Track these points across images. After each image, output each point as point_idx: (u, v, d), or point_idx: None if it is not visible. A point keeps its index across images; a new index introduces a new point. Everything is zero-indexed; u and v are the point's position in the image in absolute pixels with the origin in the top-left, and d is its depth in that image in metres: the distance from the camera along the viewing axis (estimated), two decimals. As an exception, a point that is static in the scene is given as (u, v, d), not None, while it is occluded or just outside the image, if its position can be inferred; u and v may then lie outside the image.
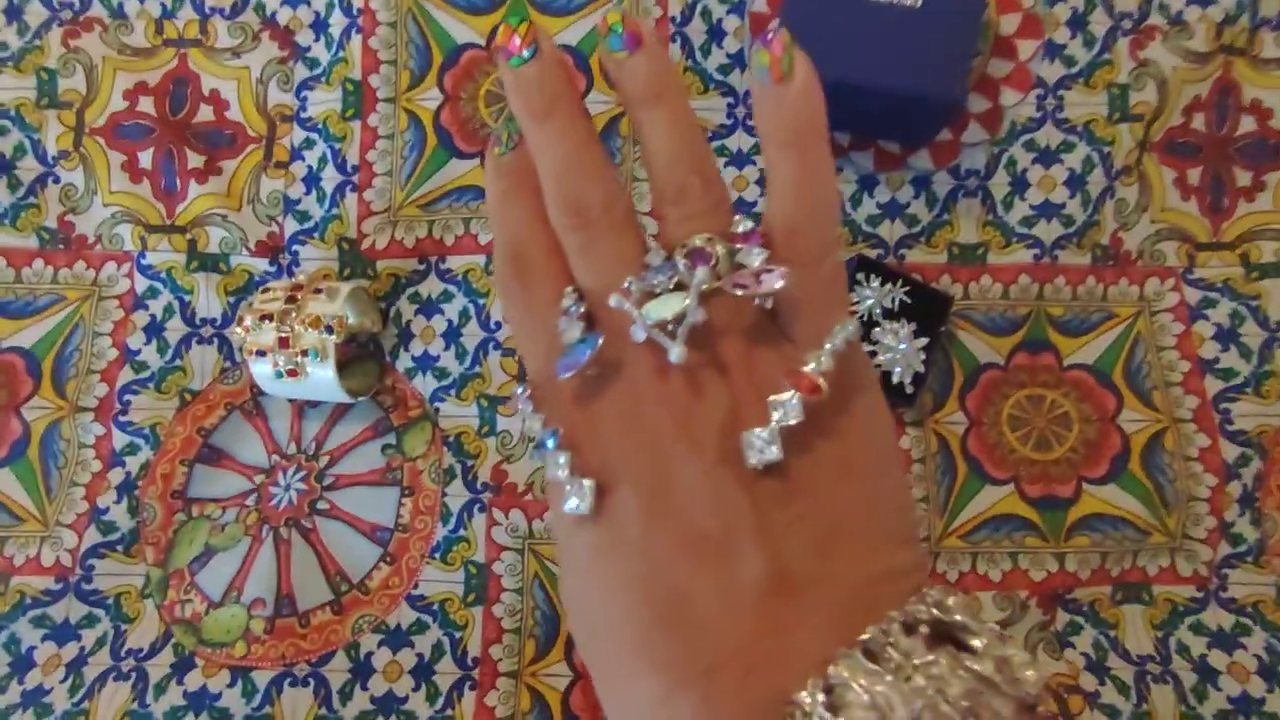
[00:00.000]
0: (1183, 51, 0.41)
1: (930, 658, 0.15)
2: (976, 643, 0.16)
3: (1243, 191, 0.41)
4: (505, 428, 0.38)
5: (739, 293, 0.18)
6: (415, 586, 0.36)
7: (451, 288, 0.39)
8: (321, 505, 0.37)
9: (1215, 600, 0.37)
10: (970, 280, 0.40)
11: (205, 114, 0.40)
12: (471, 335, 0.39)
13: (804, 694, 0.15)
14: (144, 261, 0.39)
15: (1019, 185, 0.40)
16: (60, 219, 0.40)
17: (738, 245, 0.19)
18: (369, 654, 0.36)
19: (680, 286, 0.19)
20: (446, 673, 0.35)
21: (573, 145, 0.20)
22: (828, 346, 0.18)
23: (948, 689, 0.15)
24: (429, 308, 0.39)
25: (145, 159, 0.40)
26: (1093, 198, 0.40)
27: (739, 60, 0.41)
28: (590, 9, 0.41)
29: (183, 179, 0.40)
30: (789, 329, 0.20)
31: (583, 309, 0.20)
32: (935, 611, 0.16)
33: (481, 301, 0.39)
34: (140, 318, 0.39)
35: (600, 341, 0.18)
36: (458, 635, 0.36)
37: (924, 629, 0.16)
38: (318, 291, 0.36)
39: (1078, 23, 0.41)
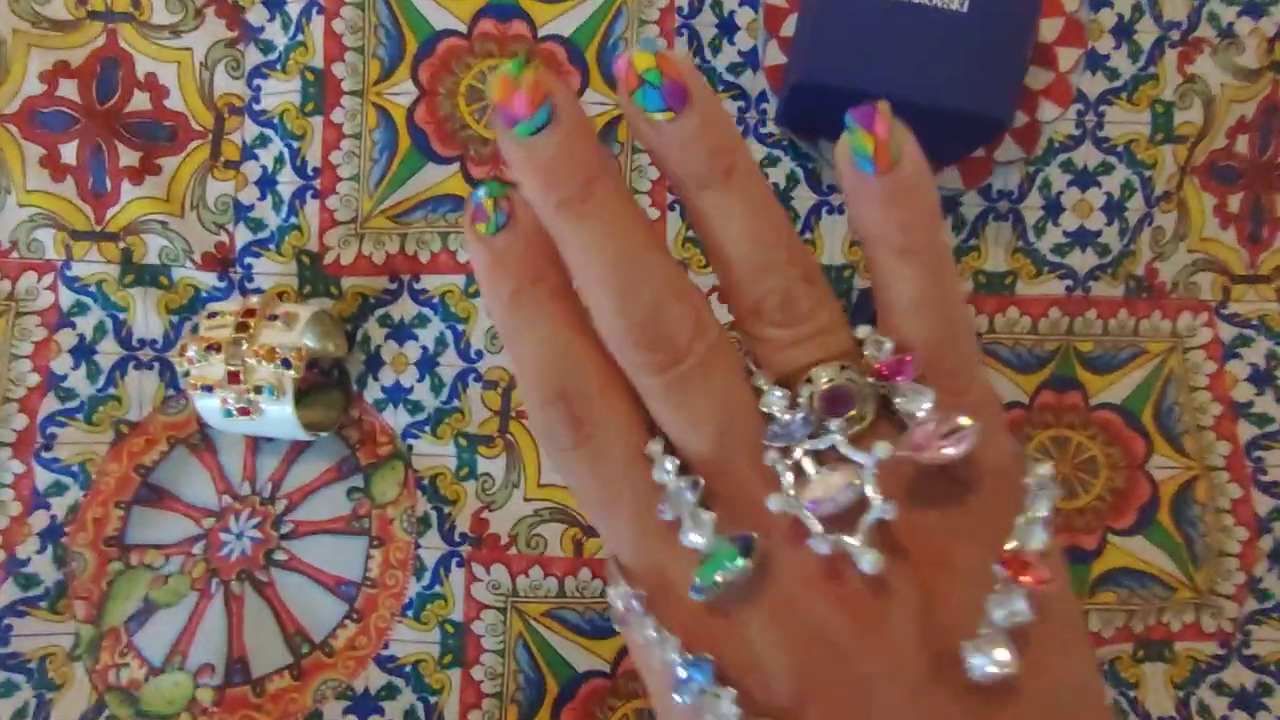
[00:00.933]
0: (1232, 68, 0.37)
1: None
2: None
3: (1283, 221, 0.38)
4: (486, 470, 0.34)
5: (924, 459, 0.15)
6: (385, 647, 0.33)
7: (427, 311, 0.35)
8: (279, 556, 0.33)
9: (1238, 658, 0.35)
10: (996, 312, 0.37)
11: (140, 102, 0.35)
12: (449, 365, 0.35)
13: None
14: (69, 273, 0.34)
15: (1053, 209, 0.37)
16: (-32, 221, 0.34)
17: (880, 379, 0.16)
18: (333, 723, 0.32)
19: (817, 435, 0.15)
20: (420, 742, 0.32)
21: (630, 246, 0.15)
22: (1038, 514, 0.15)
23: None
24: (401, 332, 0.35)
25: (69, 153, 0.34)
26: (1130, 225, 0.37)
27: (752, 59, 0.37)
28: (587, -6, 0.36)
29: (114, 178, 0.34)
30: (964, 492, 0.16)
31: (700, 493, 0.15)
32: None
33: (461, 327, 0.35)
34: (66, 337, 0.34)
35: (756, 545, 0.15)
36: (433, 700, 0.32)
37: None
38: (273, 318, 0.31)
39: (1123, 31, 0.37)
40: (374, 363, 0.35)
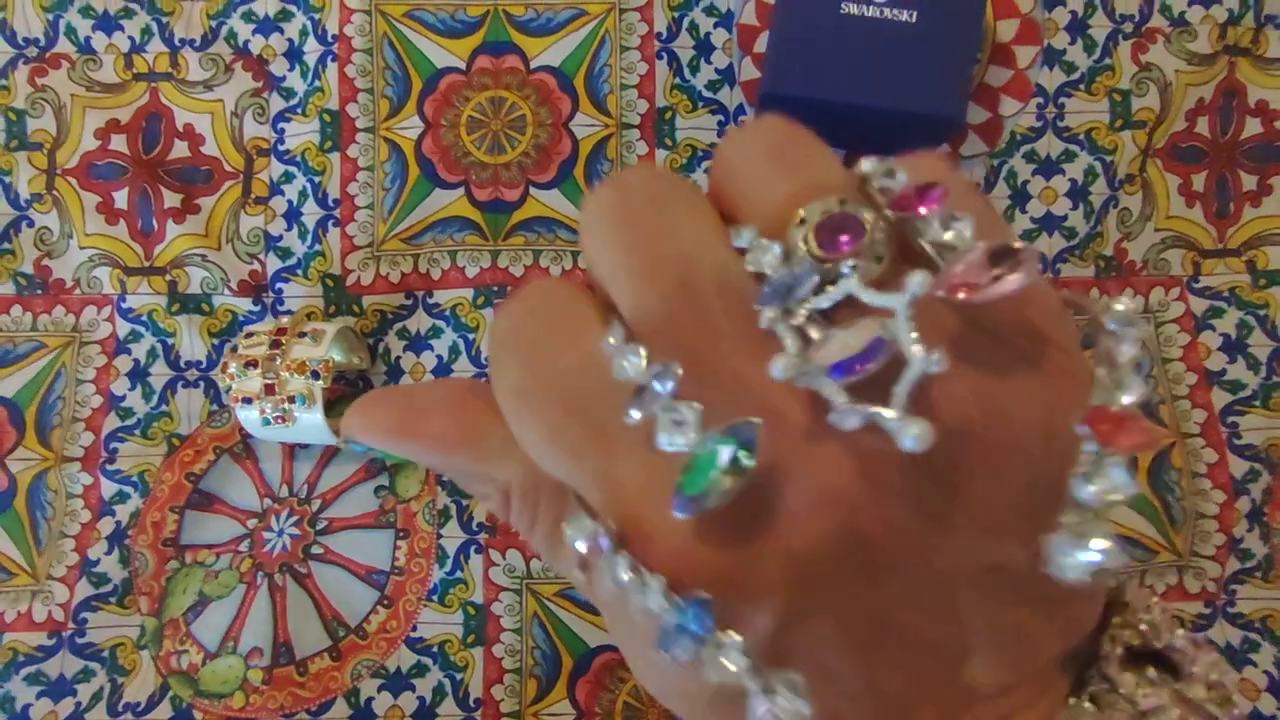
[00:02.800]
0: (1186, 54, 0.39)
1: (1156, 702, 0.12)
2: (1191, 668, 0.12)
3: (1249, 196, 0.40)
4: (499, 465, 0.37)
5: (962, 296, 0.11)
6: (414, 629, 0.36)
7: (440, 323, 0.38)
8: (316, 550, 0.37)
9: (1224, 616, 0.36)
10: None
11: (180, 150, 0.39)
12: (462, 371, 0.38)
13: None
14: (124, 305, 0.38)
15: (1019, 198, 0.39)
16: (37, 264, 0.39)
17: (897, 211, 0.12)
18: (369, 699, 0.35)
19: (823, 284, 0.11)
20: (448, 715, 0.35)
21: None
22: (1126, 358, 0.11)
23: None
24: (417, 343, 0.38)
25: (120, 199, 0.39)
26: (1095, 208, 0.39)
27: (728, 76, 0.40)
28: (571, 28, 0.40)
29: (159, 219, 0.39)
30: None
31: (669, 375, 0.11)
32: (1150, 639, 0.13)
33: (471, 336, 0.38)
34: (123, 363, 0.38)
35: (757, 442, 0.11)
36: (459, 677, 0.36)
37: (1150, 674, 0.13)
38: (302, 335, 0.35)
39: (1077, 27, 0.39)
40: (394, 372, 0.38)
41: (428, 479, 0.37)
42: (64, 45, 0.39)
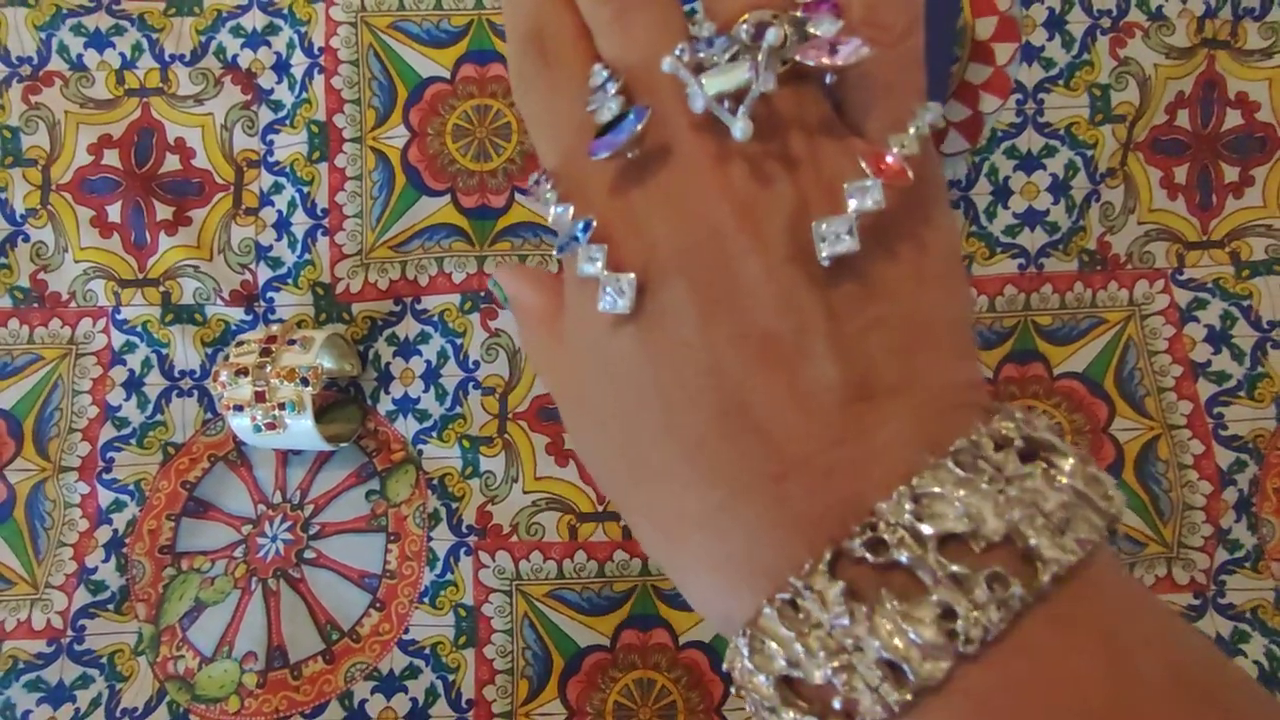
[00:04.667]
0: (1164, 48, 0.39)
1: (1025, 470, 0.14)
2: (1065, 463, 0.14)
3: (1231, 187, 0.40)
4: (488, 468, 0.38)
5: (811, 63, 0.16)
6: (406, 631, 0.36)
7: (428, 328, 0.39)
8: (309, 554, 0.37)
9: (1214, 607, 0.36)
10: (954, 293, 0.39)
11: (171, 164, 0.40)
12: (451, 376, 0.38)
13: (887, 503, 0.14)
14: (119, 316, 0.39)
15: (1001, 194, 0.39)
16: (33, 278, 0.39)
17: (807, 16, 0.17)
18: (363, 702, 0.36)
19: (736, 58, 0.16)
20: (441, 716, 0.35)
21: None
22: (912, 130, 0.16)
23: (1043, 502, 0.14)
24: (406, 349, 0.39)
25: (114, 213, 0.40)
26: (1077, 203, 0.39)
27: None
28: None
29: (152, 231, 0.39)
30: (859, 118, 0.17)
31: (619, 85, 0.17)
32: (1025, 429, 0.15)
33: (459, 341, 0.39)
34: (119, 373, 0.39)
35: (648, 114, 0.16)
36: (450, 678, 0.36)
37: (1017, 443, 0.15)
38: (292, 342, 0.35)
39: (1055, 23, 0.40)
40: (385, 378, 0.39)
41: (418, 483, 0.38)
42: (57, 63, 0.40)
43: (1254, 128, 0.39)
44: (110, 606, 0.37)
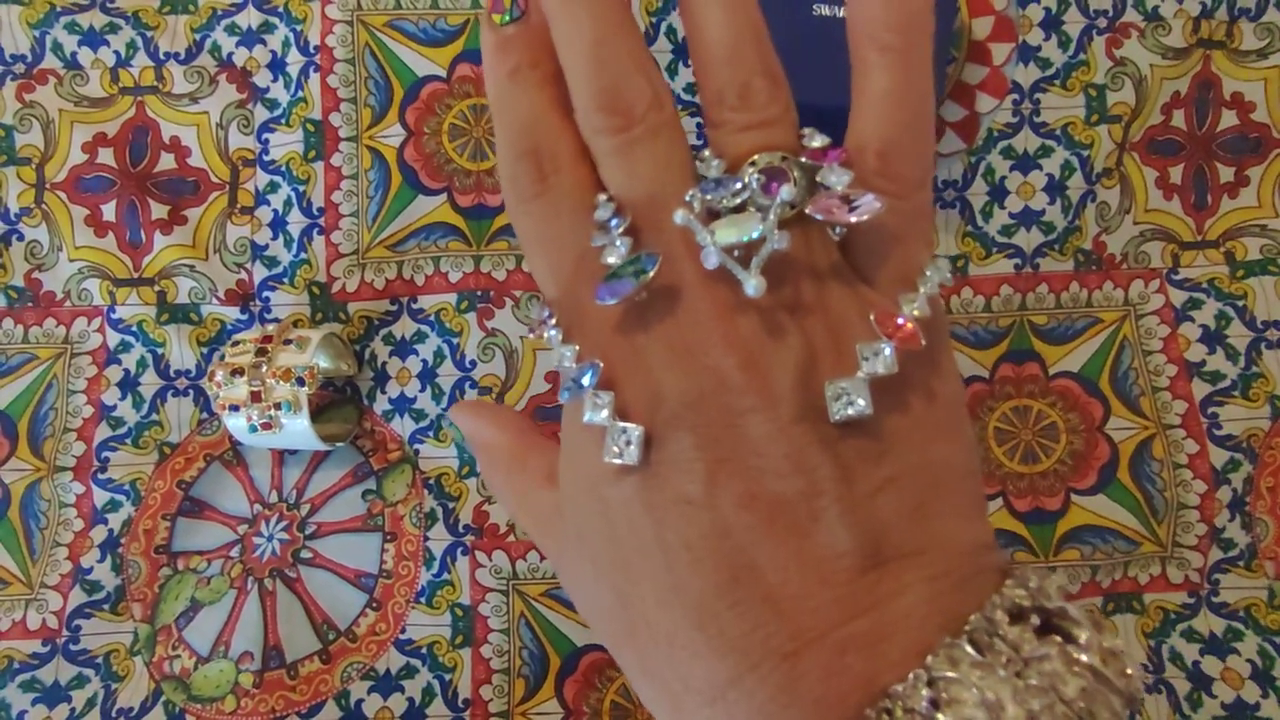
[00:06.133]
0: (1160, 48, 0.40)
1: (1041, 651, 0.14)
2: (1081, 635, 0.14)
3: (1226, 188, 0.40)
4: (485, 467, 0.37)
5: (822, 218, 0.16)
6: (403, 631, 0.36)
7: (424, 328, 0.39)
8: (305, 554, 0.37)
9: (1207, 606, 0.36)
10: (951, 294, 0.39)
11: (166, 162, 0.40)
12: (447, 375, 0.38)
13: (903, 685, 0.14)
14: (114, 315, 0.39)
15: (998, 194, 0.39)
16: (27, 277, 0.39)
17: (815, 164, 0.16)
18: (359, 701, 0.36)
19: (742, 206, 0.16)
20: (438, 716, 0.35)
21: (609, 27, 0.17)
22: (922, 291, 0.16)
23: (1063, 687, 0.13)
24: (403, 349, 0.39)
25: (109, 211, 0.39)
26: (1073, 203, 0.39)
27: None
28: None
29: (147, 230, 0.39)
30: (870, 268, 0.17)
31: (626, 224, 0.16)
32: (1039, 598, 0.14)
33: (455, 340, 0.39)
34: (114, 373, 0.39)
35: (659, 262, 0.16)
36: (447, 678, 0.36)
37: (1033, 618, 0.14)
38: (287, 342, 0.35)
39: (1052, 24, 0.40)
40: (381, 378, 0.39)
41: (415, 483, 0.38)
42: (51, 61, 0.40)
43: (1249, 128, 0.40)
44: (106, 606, 0.37)
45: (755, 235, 0.15)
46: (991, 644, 0.14)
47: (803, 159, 0.16)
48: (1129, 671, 0.14)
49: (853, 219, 0.16)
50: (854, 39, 0.17)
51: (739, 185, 0.16)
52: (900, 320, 0.16)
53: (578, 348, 0.17)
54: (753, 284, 0.15)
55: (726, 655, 0.15)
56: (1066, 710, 0.13)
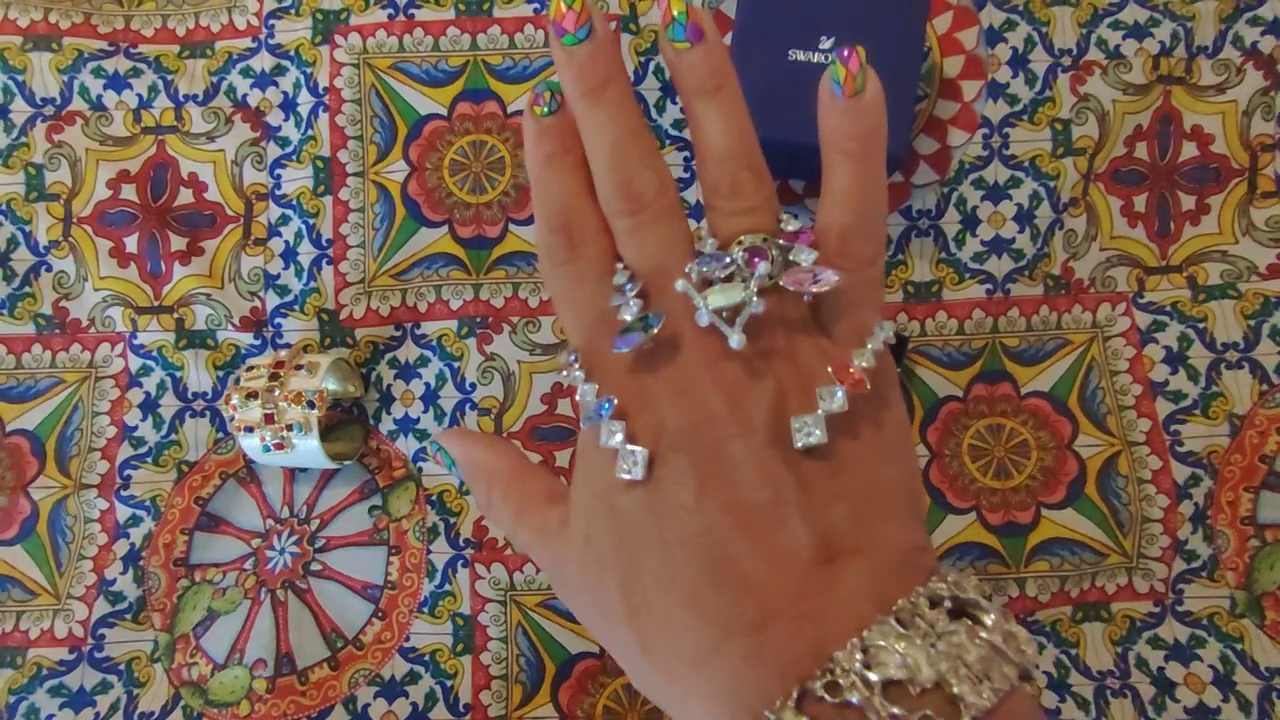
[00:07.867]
0: (1122, 84, 0.42)
1: (952, 628, 0.17)
2: (987, 619, 0.18)
3: (1188, 215, 0.42)
4: (484, 484, 0.40)
5: (792, 288, 0.20)
6: (407, 639, 0.38)
7: (427, 352, 0.41)
8: (314, 566, 0.39)
9: (1172, 614, 0.38)
10: (926, 317, 0.41)
11: (185, 197, 0.42)
12: (449, 397, 0.41)
13: (842, 652, 0.17)
14: (136, 341, 0.41)
15: (970, 223, 0.42)
16: (55, 305, 0.42)
17: (789, 244, 0.21)
18: (366, 706, 0.38)
19: (731, 276, 0.20)
20: (440, 720, 0.38)
21: (624, 130, 0.21)
22: (869, 347, 0.20)
23: (966, 655, 0.17)
24: (407, 372, 0.41)
25: (131, 244, 0.42)
26: (1042, 231, 0.41)
27: (693, 115, 0.43)
28: (546, 74, 0.43)
29: (167, 261, 0.42)
30: (830, 325, 0.21)
31: (638, 289, 0.21)
32: (955, 590, 0.18)
33: (456, 365, 0.41)
34: (135, 395, 0.41)
35: (663, 321, 0.20)
36: (449, 684, 0.38)
37: (946, 604, 0.18)
38: (299, 367, 0.38)
39: (1019, 62, 0.42)
40: (386, 399, 0.41)
41: (418, 499, 0.40)
42: (78, 103, 0.43)
43: (1209, 159, 0.42)
44: (128, 616, 0.39)
45: (739, 300, 0.20)
46: (914, 622, 0.18)
47: (780, 240, 0.21)
48: (1024, 648, 0.18)
49: (815, 289, 0.20)
50: (824, 144, 0.22)
51: (728, 260, 0.20)
52: (852, 369, 0.20)
53: (597, 386, 0.21)
54: (735, 339, 0.20)
55: (709, 627, 0.18)
56: (968, 672, 0.17)
